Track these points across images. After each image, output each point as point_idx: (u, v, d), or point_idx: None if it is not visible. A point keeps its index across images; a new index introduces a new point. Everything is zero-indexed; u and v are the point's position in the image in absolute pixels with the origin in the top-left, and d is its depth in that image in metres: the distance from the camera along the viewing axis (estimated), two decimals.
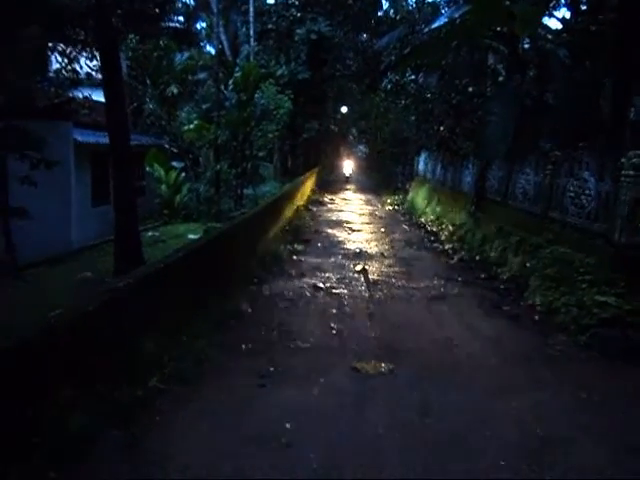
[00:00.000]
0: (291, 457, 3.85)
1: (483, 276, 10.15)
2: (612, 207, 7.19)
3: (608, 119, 10.16)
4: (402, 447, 4.05)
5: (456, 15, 10.48)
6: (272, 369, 5.37)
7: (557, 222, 8.85)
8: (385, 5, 35.21)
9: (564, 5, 17.22)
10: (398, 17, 27.91)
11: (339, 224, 16.88)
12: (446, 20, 10.46)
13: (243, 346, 5.96)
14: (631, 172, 6.78)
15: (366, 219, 18.79)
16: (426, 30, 11.16)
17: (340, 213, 20.22)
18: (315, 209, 20.58)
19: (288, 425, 4.27)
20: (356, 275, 9.93)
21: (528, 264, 8.99)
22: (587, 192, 8.00)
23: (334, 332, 6.63)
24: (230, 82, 19.46)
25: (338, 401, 4.76)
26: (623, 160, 6.88)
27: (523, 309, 8.03)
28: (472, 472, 3.76)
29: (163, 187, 18.39)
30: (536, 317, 7.62)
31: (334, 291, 8.68)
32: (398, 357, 5.89)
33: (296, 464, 3.76)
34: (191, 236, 14.85)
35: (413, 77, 16.88)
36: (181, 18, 30.40)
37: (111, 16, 9.05)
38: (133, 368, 4.66)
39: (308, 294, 8.39)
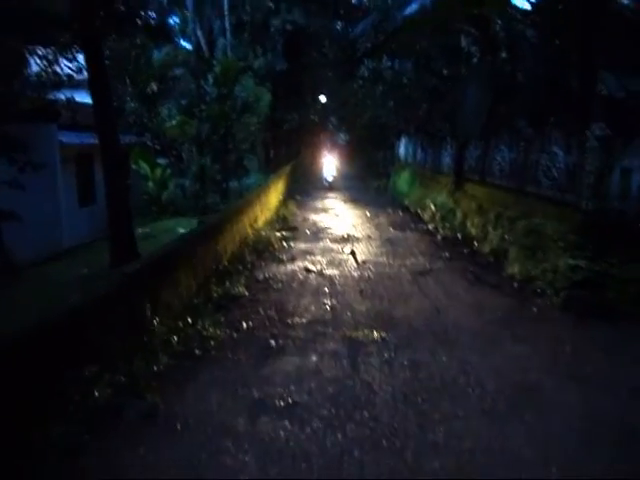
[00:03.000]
0: (297, 413, 4.29)
1: (466, 251, 10.66)
2: (579, 177, 7.71)
3: (576, 95, 10.65)
4: (395, 398, 4.52)
5: (427, 1, 10.86)
6: (273, 342, 5.80)
7: (532, 195, 9.37)
8: None
9: None
10: (372, 5, 28.17)
11: (325, 210, 17.31)
12: (417, 7, 10.85)
13: (244, 324, 6.38)
14: (595, 143, 7.28)
15: (350, 205, 19.22)
16: (401, 17, 11.54)
17: (325, 200, 20.64)
18: (299, 197, 20.94)
19: (293, 387, 4.72)
20: (345, 257, 10.37)
21: (507, 237, 9.51)
22: (557, 165, 8.53)
23: (328, 308, 7.08)
24: (210, 77, 19.66)
25: (336, 365, 5.22)
26: (587, 133, 7.37)
27: (504, 278, 8.55)
28: (457, 414, 4.24)
29: (150, 184, 18.62)
30: (515, 285, 8.15)
31: (325, 272, 9.12)
32: (389, 326, 6.36)
33: (302, 418, 4.20)
34: (181, 230, 15.13)
35: (390, 64, 17.27)
36: (154, 14, 30.34)
37: (95, 17, 9.27)
38: (146, 346, 5.06)
39: (301, 276, 8.82)
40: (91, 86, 10.26)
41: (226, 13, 26.87)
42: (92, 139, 17.47)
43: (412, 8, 10.78)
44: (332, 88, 40.77)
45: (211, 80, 19.90)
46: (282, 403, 4.43)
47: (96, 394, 4.04)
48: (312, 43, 32.14)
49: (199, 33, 27.74)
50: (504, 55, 13.93)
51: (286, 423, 4.12)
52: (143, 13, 11.74)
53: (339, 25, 36.39)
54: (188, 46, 27.29)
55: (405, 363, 5.25)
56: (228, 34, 26.54)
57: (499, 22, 13.70)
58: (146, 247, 11.89)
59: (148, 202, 18.84)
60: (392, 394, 4.59)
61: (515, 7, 14.13)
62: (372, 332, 6.11)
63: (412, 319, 6.64)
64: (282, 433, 3.98)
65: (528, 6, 14.57)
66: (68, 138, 15.80)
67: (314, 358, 5.38)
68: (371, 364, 5.23)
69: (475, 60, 15.23)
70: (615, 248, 6.92)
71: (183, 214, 18.49)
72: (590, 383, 4.83)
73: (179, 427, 4.06)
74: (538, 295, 7.50)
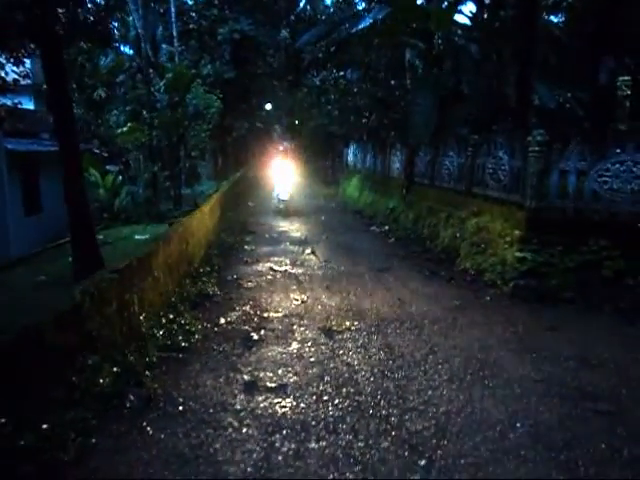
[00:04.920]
0: (289, 392, 4.69)
1: (419, 250, 11.35)
2: (523, 179, 8.53)
3: (514, 104, 11.63)
4: (375, 375, 5.01)
5: (379, 16, 11.56)
6: (254, 334, 6.15)
7: (479, 196, 10.16)
8: (302, 3, 36.43)
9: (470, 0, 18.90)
10: (319, 16, 28.96)
11: (280, 215, 17.62)
12: (371, 21, 11.52)
13: (222, 319, 6.69)
14: (536, 148, 8.10)
15: (304, 210, 19.61)
16: (354, 30, 12.15)
17: (279, 205, 20.93)
18: (252, 204, 21.21)
19: (280, 371, 5.11)
20: (306, 257, 10.81)
21: (457, 235, 10.26)
22: (502, 168, 9.34)
23: (299, 302, 7.48)
24: (161, 83, 19.65)
25: (316, 350, 5.64)
26: (529, 138, 8.19)
27: (457, 272, 9.27)
28: (430, 385, 4.77)
29: (101, 191, 18.38)
30: (468, 278, 8.88)
31: (290, 271, 9.52)
32: (358, 316, 6.85)
33: (295, 395, 4.60)
34: (138, 237, 15.13)
35: (342, 73, 17.97)
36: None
37: (56, 23, 9.30)
38: (136, 340, 5.29)
39: (268, 276, 9.17)
40: (50, 92, 10.22)
41: (173, 20, 26.80)
42: (37, 146, 17.15)
43: (366, 22, 11.42)
44: (277, 96, 41.37)
45: (162, 87, 19.87)
46: (273, 384, 4.81)
47: (101, 382, 4.26)
48: (259, 52, 32.48)
49: (145, 39, 27.53)
50: (448, 68, 14.90)
51: (280, 400, 4.50)
52: (100, 20, 11.71)
53: (284, 34, 37.01)
54: (129, 52, 26.99)
55: (379, 346, 5.75)
56: (175, 41, 26.49)
57: (442, 36, 14.66)
58: (105, 254, 11.88)
59: (99, 210, 18.56)
60: (372, 372, 5.07)
61: (456, 23, 15.18)
62: (344, 322, 6.58)
63: (379, 309, 7.16)
64: (278, 408, 4.36)
65: (468, 22, 15.69)
66: (13, 145, 15.42)
67: (295, 345, 5.79)
68: (348, 348, 5.70)
69: (420, 72, 16.15)
70: (556, 241, 7.75)
71: (136, 222, 18.33)
72: (540, 355, 5.51)
73: (181, 408, 4.36)
74: (489, 285, 8.24)
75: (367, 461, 3.63)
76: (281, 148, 57.22)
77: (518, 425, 4.11)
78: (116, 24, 32.26)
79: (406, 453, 3.73)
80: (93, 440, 3.78)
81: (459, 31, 15.01)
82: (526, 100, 10.99)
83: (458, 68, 13.89)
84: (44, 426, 3.57)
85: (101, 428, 3.99)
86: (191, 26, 29.93)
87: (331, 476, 3.47)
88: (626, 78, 10.78)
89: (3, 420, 3.24)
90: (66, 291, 5.93)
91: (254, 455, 3.69)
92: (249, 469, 3.54)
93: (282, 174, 18.88)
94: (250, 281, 8.76)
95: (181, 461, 3.65)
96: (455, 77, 14.03)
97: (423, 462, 3.62)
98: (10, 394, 3.50)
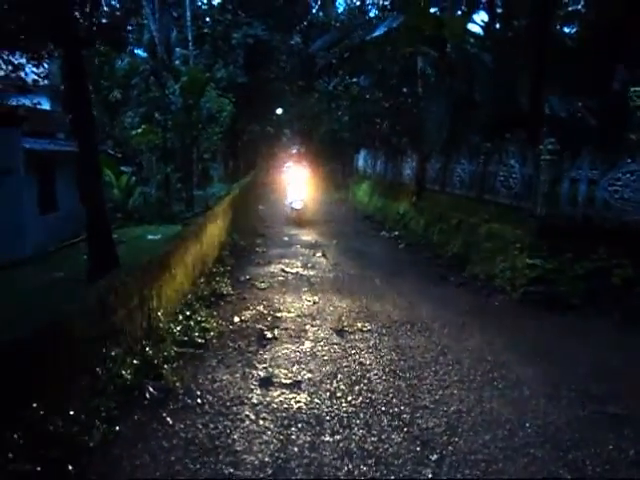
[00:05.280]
0: (303, 388, 4.82)
1: (429, 255, 11.47)
2: (534, 187, 8.63)
3: (527, 114, 11.74)
4: (387, 374, 5.13)
5: (394, 24, 11.74)
6: (268, 332, 6.29)
7: (490, 203, 10.26)
8: (314, 8, 36.81)
9: (482, 9, 19.05)
10: (333, 22, 29.21)
11: (289, 220, 17.76)
12: (385, 29, 11.70)
13: (236, 318, 6.84)
14: (548, 157, 8.22)
15: (314, 214, 19.74)
16: (368, 38, 12.32)
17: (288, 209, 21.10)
18: (263, 207, 21.41)
19: (294, 368, 5.25)
20: (317, 260, 10.95)
21: (468, 241, 10.36)
22: (514, 176, 9.46)
23: (311, 304, 7.62)
24: (176, 86, 19.92)
25: (329, 349, 5.78)
26: (541, 147, 8.31)
27: (467, 278, 9.37)
28: (441, 385, 4.89)
29: (115, 191, 18.65)
30: (478, 283, 8.98)
31: (302, 273, 9.67)
32: (369, 318, 6.98)
33: (309, 391, 4.73)
34: (150, 237, 15.36)
35: (355, 80, 18.14)
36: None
37: (78, 27, 9.56)
38: (154, 334, 5.45)
39: (280, 277, 9.32)
40: (69, 93, 10.47)
41: (188, 24, 27.17)
42: (53, 145, 17.44)
43: (381, 30, 11.59)
44: (288, 101, 41.66)
45: (177, 90, 20.14)
46: (288, 380, 4.95)
47: (123, 373, 4.42)
48: (272, 57, 32.76)
49: (158, 42, 27.90)
50: (461, 76, 15.03)
51: (295, 395, 4.64)
52: (118, 23, 11.99)
53: (297, 40, 37.25)
54: (142, 54, 27.33)
55: (390, 347, 5.88)
56: (190, 45, 26.84)
57: (455, 45, 14.79)
58: (120, 252, 12.06)
59: (113, 209, 18.81)
60: (383, 371, 5.21)
61: (469, 31, 15.32)
62: (356, 323, 6.71)
63: (389, 312, 7.28)
64: (293, 403, 4.50)
65: (481, 31, 15.84)
66: (30, 144, 15.71)
67: (308, 344, 5.93)
68: (360, 348, 5.84)
69: (433, 80, 16.27)
70: (566, 248, 7.84)
71: (149, 222, 18.57)
72: (549, 359, 5.62)
73: (199, 401, 4.50)
74: (499, 291, 8.34)
75: (380, 454, 3.76)
76: (291, 152, 57.42)
77: (527, 425, 4.22)
78: (130, 28, 32.78)
79: (418, 448, 3.86)
80: (117, 428, 3.93)
81: (472, 40, 15.16)
82: (538, 109, 11.10)
83: (471, 76, 14.00)
84: (71, 412, 3.72)
85: (123, 417, 4.14)
86: (205, 30, 30.31)
87: (345, 468, 3.60)
88: (637, 88, 10.87)
89: (35, 404, 3.39)
90: (82, 287, 6.13)
91: (271, 446, 3.83)
92: (266, 459, 3.68)
93: (292, 178, 19.02)
94: (263, 282, 8.91)
95: (201, 450, 3.79)
96: (468, 85, 14.16)
97: (435, 457, 3.74)
98: (39, 381, 3.66)
